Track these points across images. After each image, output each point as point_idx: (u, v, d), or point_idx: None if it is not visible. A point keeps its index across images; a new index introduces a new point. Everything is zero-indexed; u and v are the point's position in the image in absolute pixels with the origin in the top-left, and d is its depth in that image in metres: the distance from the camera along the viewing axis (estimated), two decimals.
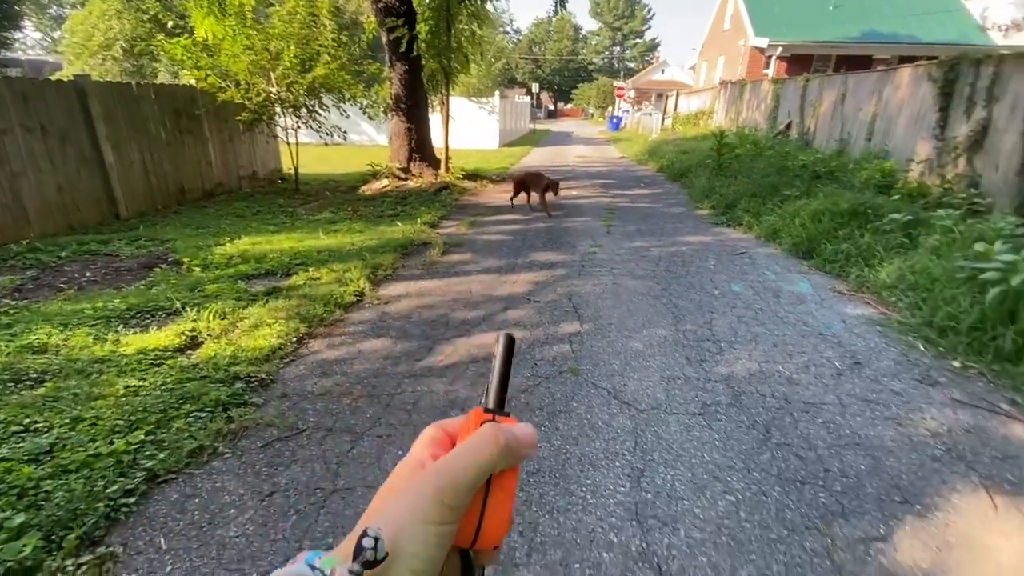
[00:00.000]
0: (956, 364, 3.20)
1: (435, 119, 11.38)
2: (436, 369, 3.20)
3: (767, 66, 18.29)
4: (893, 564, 1.84)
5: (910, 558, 1.87)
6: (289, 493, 2.19)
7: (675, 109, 22.98)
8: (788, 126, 11.25)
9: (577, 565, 1.84)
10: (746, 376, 3.10)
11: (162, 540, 1.96)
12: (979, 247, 3.75)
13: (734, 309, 4.07)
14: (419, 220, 6.88)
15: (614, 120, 31.98)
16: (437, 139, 10.64)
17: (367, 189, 9.40)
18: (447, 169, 10.26)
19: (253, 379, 3.02)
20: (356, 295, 4.33)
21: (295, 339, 3.53)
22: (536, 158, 15.98)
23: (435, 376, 3.11)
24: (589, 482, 2.24)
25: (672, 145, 14.84)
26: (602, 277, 4.84)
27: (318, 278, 4.65)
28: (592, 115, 56.59)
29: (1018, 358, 3.09)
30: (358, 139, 20.08)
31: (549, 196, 7.50)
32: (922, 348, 3.41)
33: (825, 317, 3.93)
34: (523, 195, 7.77)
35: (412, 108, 9.77)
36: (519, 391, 2.94)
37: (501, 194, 9.38)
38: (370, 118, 10.70)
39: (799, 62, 17.19)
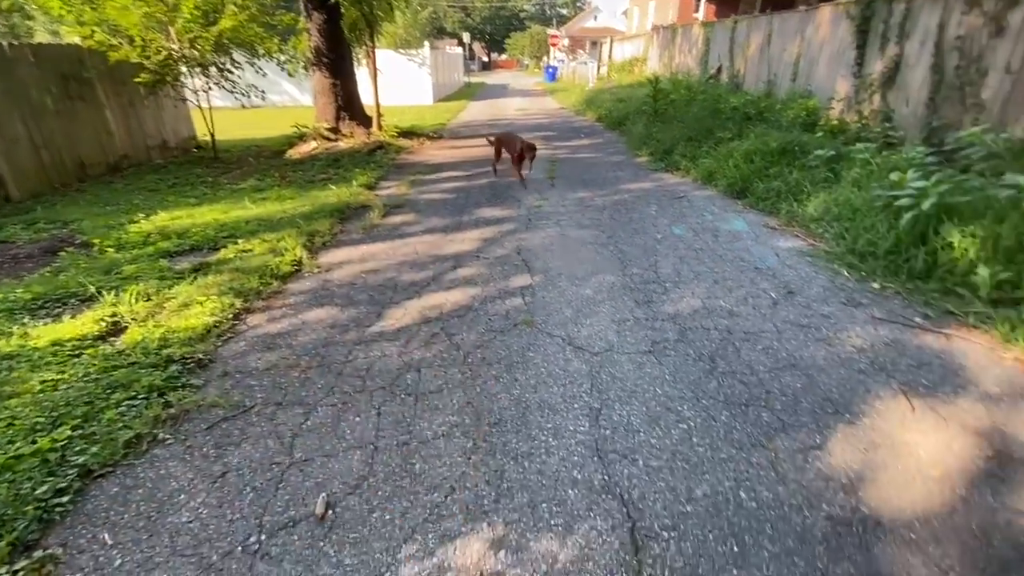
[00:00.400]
0: (876, 286, 3.47)
1: (363, 75, 10.70)
2: (388, 333, 3.12)
3: (697, 9, 18.34)
4: (828, 468, 2.02)
5: (842, 461, 2.05)
6: (243, 471, 2.10)
7: (610, 57, 22.79)
8: (719, 70, 11.43)
9: (544, 504, 1.89)
10: (691, 313, 3.22)
11: (106, 535, 1.83)
12: (894, 177, 4.02)
13: (676, 251, 4.20)
14: (355, 182, 6.55)
15: (550, 70, 31.37)
16: (367, 97, 10.05)
17: (294, 153, 8.80)
18: (380, 127, 9.76)
19: (189, 360, 2.82)
20: (293, 265, 4.10)
21: (231, 315, 3.32)
22: (473, 113, 15.50)
23: (387, 340, 3.03)
24: (550, 426, 2.29)
25: (609, 94, 14.78)
26: (549, 229, 4.83)
27: (249, 250, 4.35)
28: (527, 66, 55.22)
29: (928, 276, 3.39)
30: (279, 100, 18.68)
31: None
32: (846, 274, 3.67)
33: (760, 252, 4.13)
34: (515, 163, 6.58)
35: (335, 62, 9.11)
36: (474, 347, 2.92)
37: (439, 151, 9.08)
38: (290, 75, 9.86)
39: (727, 3, 17.32)
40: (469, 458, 2.13)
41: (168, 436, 2.30)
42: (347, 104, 9.46)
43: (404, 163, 8.13)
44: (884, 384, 2.49)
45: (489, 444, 2.20)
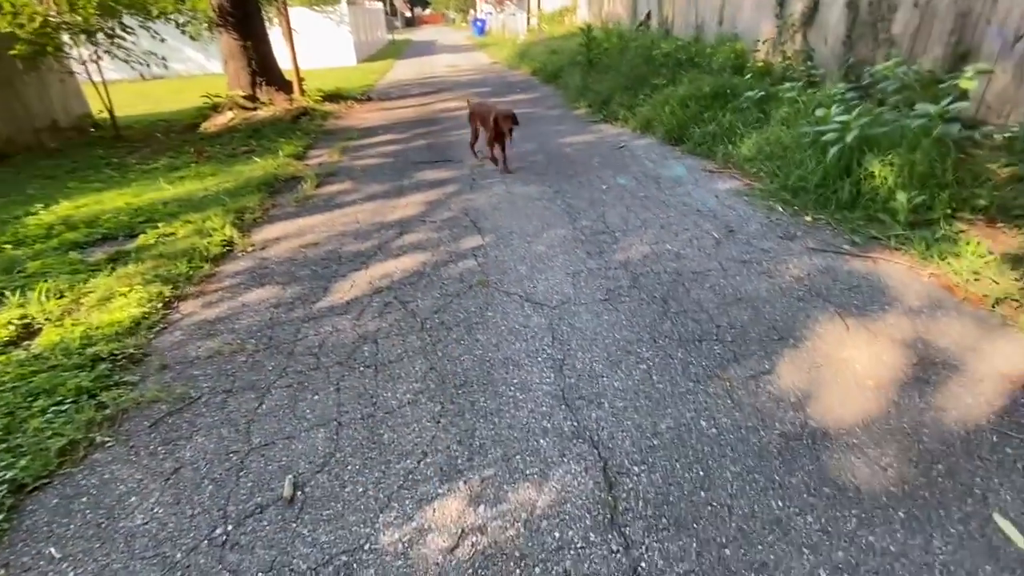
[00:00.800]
0: (808, 219, 3.66)
1: (277, 36, 9.86)
2: (337, 307, 2.99)
3: None
4: (778, 389, 2.15)
5: (790, 382, 2.19)
6: (198, 465, 1.98)
7: (539, 7, 22.16)
8: (648, 16, 11.38)
9: (518, 456, 1.91)
10: (641, 259, 3.29)
11: (53, 550, 1.69)
12: (819, 113, 4.19)
13: (622, 200, 4.24)
14: (281, 153, 6.12)
15: (478, 24, 30.21)
16: (285, 61, 9.29)
17: (209, 126, 8.08)
18: (302, 92, 9.11)
19: (119, 356, 2.59)
20: (224, 245, 3.82)
21: (161, 305, 3.06)
22: (401, 73, 14.76)
23: (337, 315, 2.91)
24: (516, 381, 2.30)
25: (542, 46, 14.44)
26: (495, 188, 4.74)
27: (172, 233, 4.01)
28: (454, 20, 52.88)
29: (854, 205, 3.61)
30: (184, 68, 17.03)
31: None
32: (781, 209, 3.85)
33: (701, 195, 4.24)
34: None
35: (244, 21, 8.32)
36: (431, 312, 2.86)
37: (370, 114, 8.62)
38: (192, 39, 8.89)
39: None
40: (438, 422, 2.10)
41: (107, 439, 2.13)
42: (262, 68, 8.72)
43: (333, 129, 7.67)
44: (821, 308, 2.66)
45: (457, 406, 2.18)
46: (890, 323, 2.51)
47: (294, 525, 1.72)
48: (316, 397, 2.30)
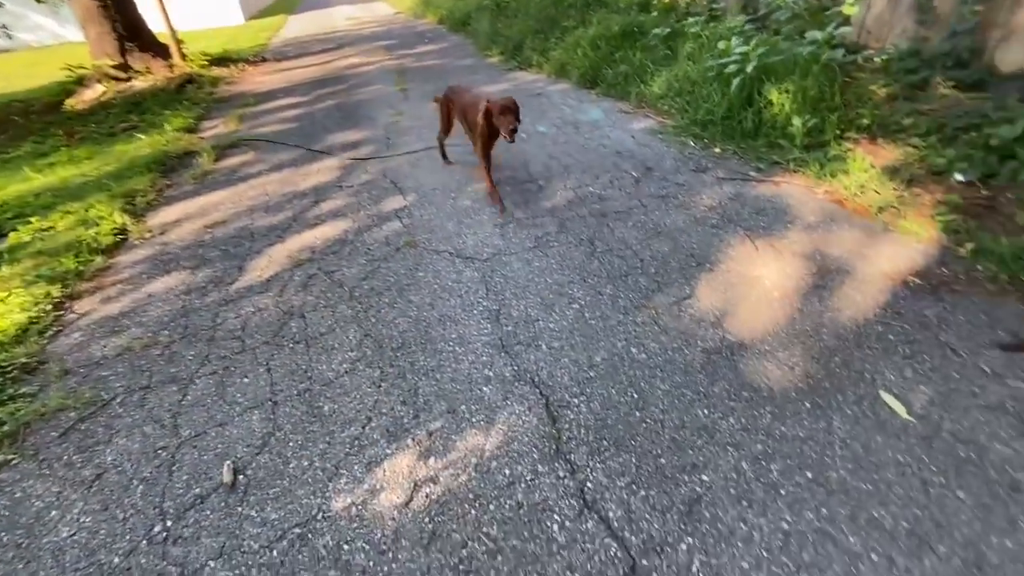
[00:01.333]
0: (717, 150, 3.84)
1: None
2: (256, 286, 2.82)
3: None
4: (699, 311, 2.31)
5: (708, 303, 2.35)
6: (123, 467, 1.85)
7: None
8: None
9: (463, 407, 1.94)
10: (566, 204, 3.33)
11: None
12: (721, 45, 4.32)
13: (544, 148, 4.22)
14: (168, 127, 5.50)
15: None
16: (157, 24, 8.21)
17: (76, 102, 7.09)
18: (183, 57, 8.15)
19: (9, 368, 2.32)
20: (116, 234, 3.45)
21: (50, 306, 2.75)
22: (297, 29, 13.54)
23: (257, 293, 2.75)
24: (454, 336, 2.30)
25: None
26: (413, 145, 4.56)
27: (50, 228, 3.56)
28: None
29: (756, 134, 3.82)
30: (33, 38, 14.71)
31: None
32: (692, 144, 4.00)
33: (618, 136, 4.31)
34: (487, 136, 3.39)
35: None
36: (359, 280, 2.77)
37: (266, 76, 7.91)
38: (38, 1, 7.62)
39: None
40: (379, 386, 2.08)
41: (11, 456, 1.93)
42: (131, 32, 7.66)
43: (226, 96, 6.98)
44: (733, 233, 2.84)
45: (397, 368, 2.16)
46: (792, 240, 2.73)
47: (240, 508, 1.67)
48: (246, 380, 2.19)
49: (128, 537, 1.62)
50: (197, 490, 1.74)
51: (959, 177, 2.90)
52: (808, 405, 1.81)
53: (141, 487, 1.77)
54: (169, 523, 1.65)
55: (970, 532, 1.40)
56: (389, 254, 2.99)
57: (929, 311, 2.16)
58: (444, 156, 4.10)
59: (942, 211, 2.73)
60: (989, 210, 2.68)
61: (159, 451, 1.90)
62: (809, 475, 1.59)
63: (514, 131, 3.03)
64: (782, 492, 1.55)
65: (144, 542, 1.61)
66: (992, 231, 2.52)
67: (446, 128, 3.89)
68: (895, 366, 1.93)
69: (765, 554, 1.40)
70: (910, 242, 2.61)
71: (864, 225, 2.79)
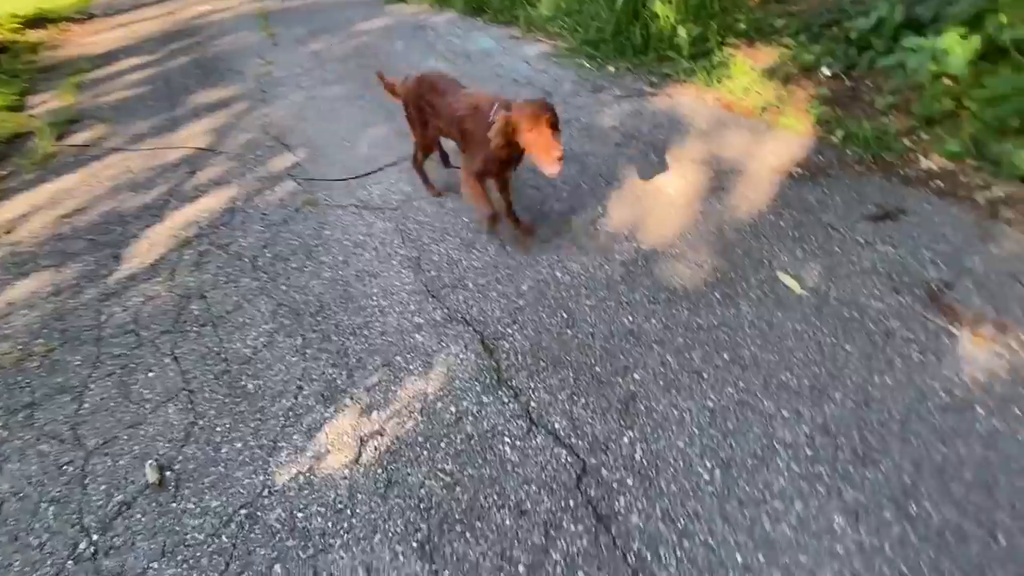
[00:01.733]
0: (611, 69, 3.85)
1: None
2: (141, 273, 2.51)
3: None
4: (613, 227, 2.38)
5: (621, 219, 2.43)
6: (24, 492, 1.65)
7: None
8: None
9: (398, 358, 1.90)
10: None
11: None
12: None
13: None
14: None
15: None
16: None
17: None
18: None
19: None
20: None
21: None
22: None
23: (144, 281, 2.46)
24: (376, 290, 2.21)
25: None
26: (292, 96, 4.14)
27: None
28: None
29: (646, 48, 3.85)
30: None
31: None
32: (587, 65, 3.97)
33: (512, 64, 4.18)
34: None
35: None
36: (259, 248, 2.55)
37: (98, 36, 6.73)
38: None
39: None
40: (303, 353, 1.98)
41: None
42: None
43: (51, 63, 5.88)
44: (635, 148, 2.91)
45: (319, 332, 2.06)
46: (689, 148, 2.85)
47: (174, 504, 1.56)
48: (151, 374, 1.99)
49: (49, 562, 1.47)
50: (120, 497, 1.60)
51: (825, 71, 3.14)
52: (718, 296, 1.97)
53: (52, 508, 1.59)
54: (95, 536, 1.51)
55: (858, 378, 1.63)
56: (288, 216, 2.76)
57: (811, 196, 2.38)
58: (424, 181, 2.78)
59: (814, 104, 2.96)
60: (853, 99, 2.95)
61: (64, 467, 1.71)
62: (726, 356, 1.75)
63: (561, 158, 1.91)
64: (704, 376, 1.70)
65: (70, 563, 1.46)
66: (857, 118, 2.78)
67: (425, 144, 2.60)
68: (787, 249, 2.13)
69: (696, 431, 1.55)
70: (790, 136, 2.82)
71: (751, 125, 2.96)
